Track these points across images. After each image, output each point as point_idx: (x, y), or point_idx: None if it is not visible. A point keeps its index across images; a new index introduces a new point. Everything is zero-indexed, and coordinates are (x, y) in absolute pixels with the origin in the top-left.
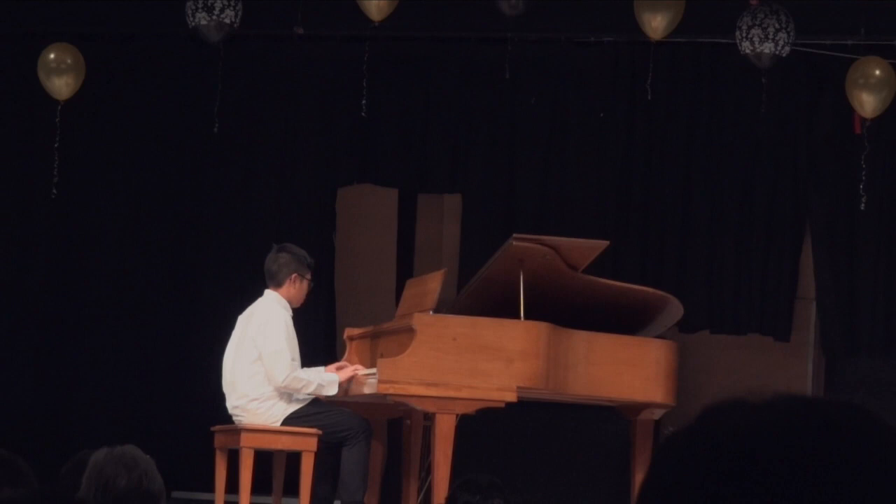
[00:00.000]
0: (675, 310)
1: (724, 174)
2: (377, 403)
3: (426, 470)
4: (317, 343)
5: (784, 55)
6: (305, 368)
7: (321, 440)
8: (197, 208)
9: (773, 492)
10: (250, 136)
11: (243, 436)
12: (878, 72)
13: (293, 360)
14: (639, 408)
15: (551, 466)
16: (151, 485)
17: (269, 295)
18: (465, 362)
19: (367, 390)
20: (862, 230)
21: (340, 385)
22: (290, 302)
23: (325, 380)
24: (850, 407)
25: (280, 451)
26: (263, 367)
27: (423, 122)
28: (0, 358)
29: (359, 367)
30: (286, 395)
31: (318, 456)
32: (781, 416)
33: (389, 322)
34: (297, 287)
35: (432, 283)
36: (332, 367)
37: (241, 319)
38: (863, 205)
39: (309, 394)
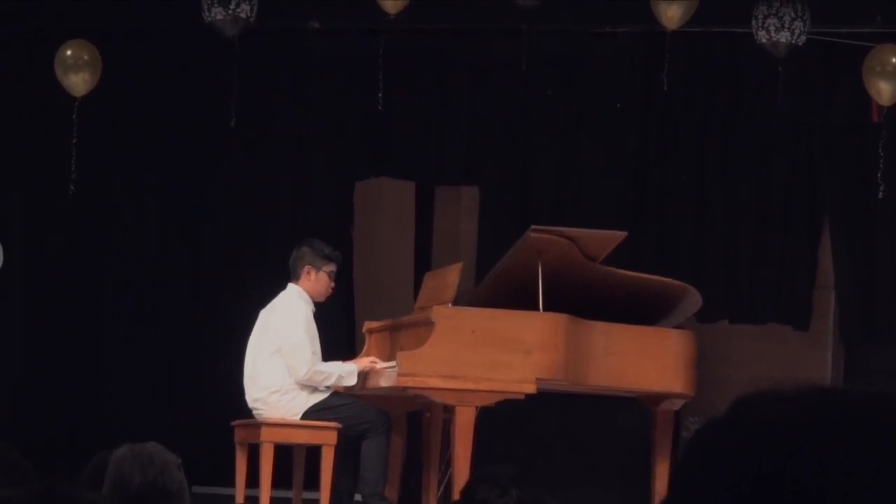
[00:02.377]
0: (693, 300)
1: (741, 163)
2: (397, 396)
3: (446, 463)
4: (336, 337)
5: (800, 44)
6: (325, 362)
7: (341, 433)
8: (214, 202)
9: (805, 482)
10: (267, 130)
11: (263, 430)
12: (894, 59)
13: (314, 353)
14: (658, 398)
15: (571, 458)
16: (168, 483)
17: (291, 288)
18: (484, 354)
19: (384, 382)
20: (880, 218)
21: (359, 375)
22: (310, 296)
23: (344, 370)
24: (881, 397)
25: (300, 445)
26: (285, 359)
27: (439, 114)
28: (18, 355)
29: (375, 358)
30: (307, 387)
31: (339, 449)
32: (813, 407)
33: (408, 315)
34: (313, 280)
35: (450, 276)
36: (352, 361)
37: (263, 313)
38: (880, 193)
39: (329, 385)
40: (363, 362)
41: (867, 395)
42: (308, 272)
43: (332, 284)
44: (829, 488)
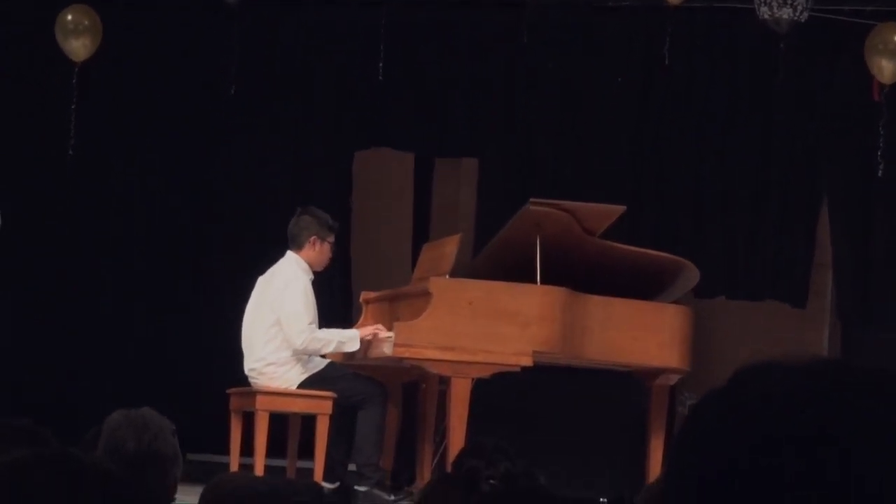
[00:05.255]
0: (691, 275)
1: (741, 139)
2: (392, 367)
3: (441, 434)
4: (332, 306)
5: (802, 21)
6: (324, 329)
7: (337, 403)
8: (213, 170)
9: (807, 455)
10: (267, 98)
11: (259, 398)
12: None
13: (311, 323)
14: (655, 373)
15: (567, 430)
16: (163, 448)
17: (290, 257)
18: (481, 326)
19: (387, 349)
20: (879, 196)
21: (361, 341)
22: (310, 265)
23: (346, 336)
24: (889, 372)
25: (295, 414)
26: (282, 329)
27: (440, 85)
28: (15, 317)
29: (380, 326)
30: (303, 359)
31: (334, 419)
32: (822, 377)
33: (406, 286)
34: (317, 250)
35: (448, 247)
36: (355, 328)
37: (261, 281)
38: (880, 171)
39: (330, 352)
40: (367, 329)
41: (877, 370)
42: (313, 242)
43: (331, 255)
44: (837, 462)
